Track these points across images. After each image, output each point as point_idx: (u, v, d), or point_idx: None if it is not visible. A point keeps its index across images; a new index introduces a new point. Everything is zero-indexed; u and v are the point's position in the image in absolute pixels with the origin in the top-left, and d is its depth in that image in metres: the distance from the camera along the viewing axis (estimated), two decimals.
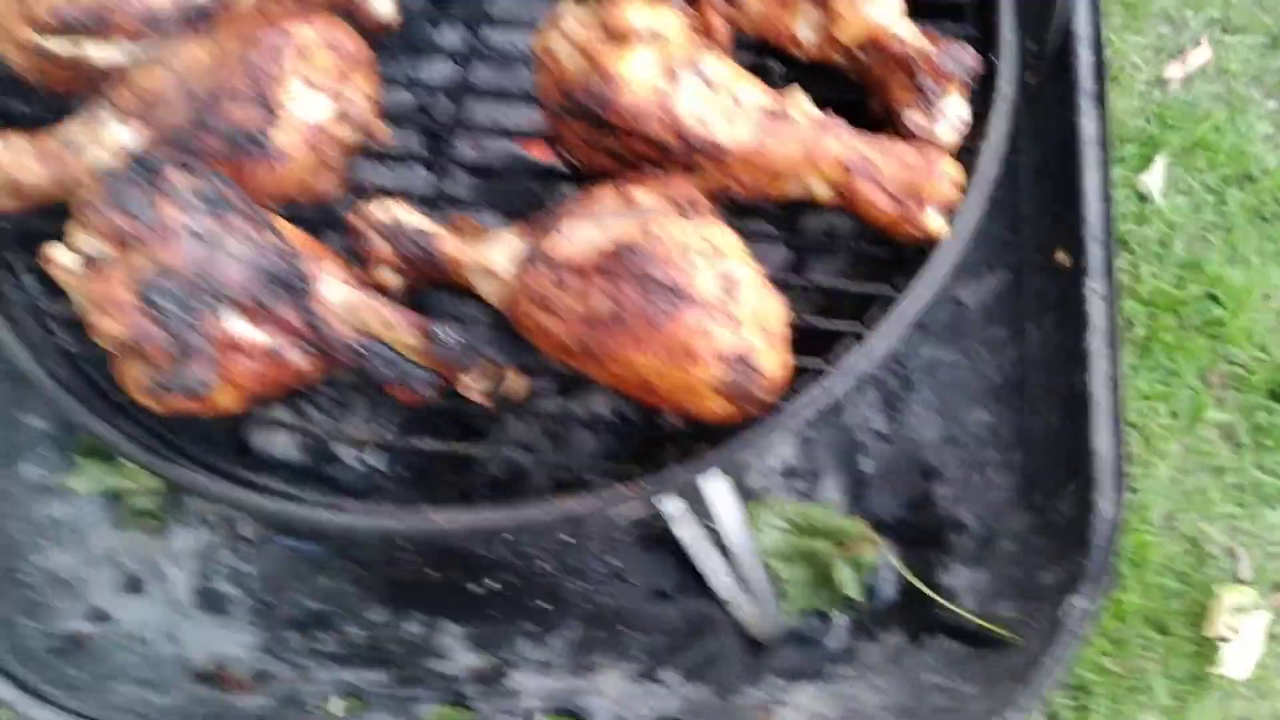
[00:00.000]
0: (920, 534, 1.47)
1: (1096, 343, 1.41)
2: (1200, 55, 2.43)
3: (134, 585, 1.58)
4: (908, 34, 1.28)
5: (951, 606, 1.39)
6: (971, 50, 1.28)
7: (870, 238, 1.30)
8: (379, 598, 1.54)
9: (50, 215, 1.32)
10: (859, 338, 1.25)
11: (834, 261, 1.45)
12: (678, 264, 1.14)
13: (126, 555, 1.59)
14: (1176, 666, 2.01)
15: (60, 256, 1.21)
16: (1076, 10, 1.56)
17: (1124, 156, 2.35)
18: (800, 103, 1.26)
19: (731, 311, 1.14)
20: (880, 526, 1.44)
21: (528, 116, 1.40)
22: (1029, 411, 1.51)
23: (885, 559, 1.40)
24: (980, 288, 1.53)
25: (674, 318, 1.13)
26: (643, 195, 1.22)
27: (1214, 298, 2.27)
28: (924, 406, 1.45)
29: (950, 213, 1.26)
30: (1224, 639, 2.01)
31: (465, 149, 1.48)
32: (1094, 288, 1.43)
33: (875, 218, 1.26)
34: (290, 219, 1.28)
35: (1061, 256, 1.49)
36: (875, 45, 1.29)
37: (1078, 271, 1.44)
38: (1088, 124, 1.51)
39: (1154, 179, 2.34)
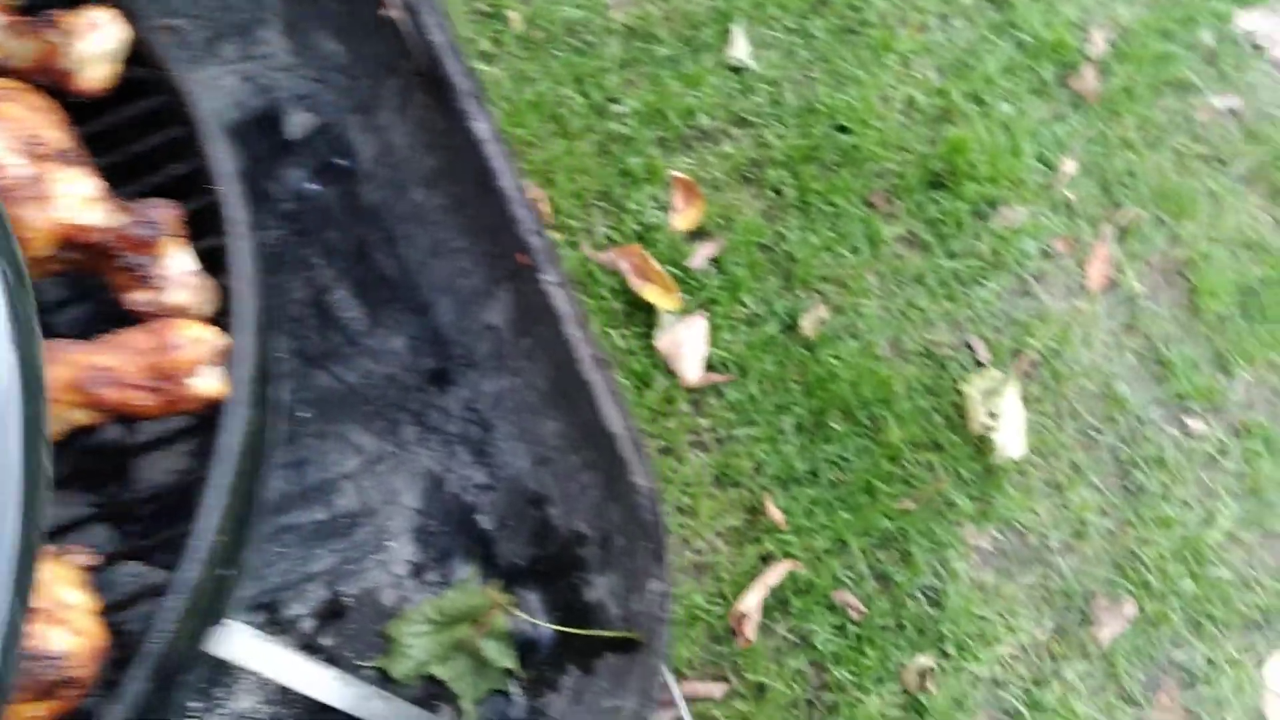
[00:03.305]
0: (555, 563, 1.45)
1: (571, 331, 1.40)
2: None
3: None
4: (101, 220, 1.19)
5: (580, 631, 1.43)
6: (164, 202, 1.22)
7: None
8: None
9: None
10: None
11: None
12: None
13: None
14: (965, 473, 2.06)
15: None
16: (433, 28, 1.51)
17: (706, 42, 2.37)
18: None
19: None
20: (519, 574, 1.43)
21: None
22: (580, 407, 1.51)
23: (517, 616, 1.44)
24: (500, 306, 1.54)
25: None
26: None
27: (840, 128, 2.28)
28: (508, 439, 1.47)
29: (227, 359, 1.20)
30: (990, 427, 2.07)
31: None
32: (549, 280, 1.40)
33: (144, 415, 1.20)
34: None
35: (522, 258, 1.47)
36: (75, 245, 1.20)
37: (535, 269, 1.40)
38: (479, 125, 1.44)
39: (739, 48, 2.34)
